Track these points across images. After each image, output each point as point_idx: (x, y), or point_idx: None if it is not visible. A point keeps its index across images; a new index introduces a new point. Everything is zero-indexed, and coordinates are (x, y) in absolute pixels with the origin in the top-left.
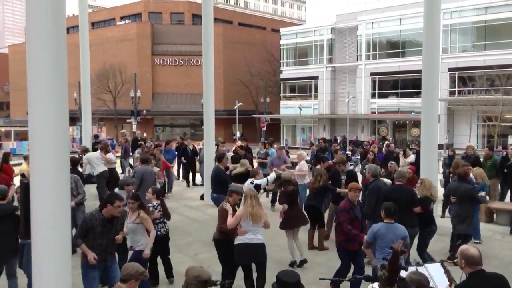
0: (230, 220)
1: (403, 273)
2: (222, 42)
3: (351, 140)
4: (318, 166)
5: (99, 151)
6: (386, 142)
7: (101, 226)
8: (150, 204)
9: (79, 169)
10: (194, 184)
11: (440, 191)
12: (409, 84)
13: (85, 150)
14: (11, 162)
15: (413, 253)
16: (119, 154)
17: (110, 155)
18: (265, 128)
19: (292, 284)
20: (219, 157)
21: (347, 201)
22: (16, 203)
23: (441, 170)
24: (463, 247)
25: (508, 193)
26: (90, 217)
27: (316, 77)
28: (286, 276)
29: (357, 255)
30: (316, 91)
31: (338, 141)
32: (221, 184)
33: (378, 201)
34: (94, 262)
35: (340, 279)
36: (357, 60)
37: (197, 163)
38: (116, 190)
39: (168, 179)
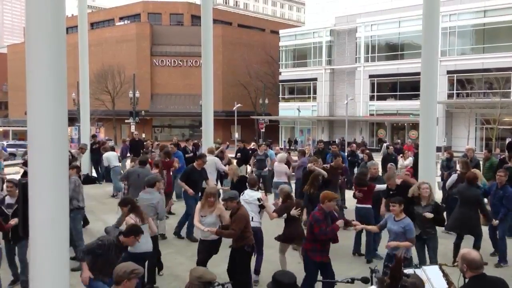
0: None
1: None
2: (221, 43)
3: (349, 142)
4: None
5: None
6: (385, 144)
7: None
8: None
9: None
10: None
11: (438, 194)
12: (408, 87)
13: (82, 148)
14: (11, 162)
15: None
16: (118, 154)
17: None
18: (263, 130)
19: (286, 285)
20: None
21: (321, 211)
22: None
23: (439, 172)
24: (464, 251)
25: None
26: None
27: (315, 79)
28: (282, 276)
29: (325, 265)
30: (314, 93)
31: (337, 143)
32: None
33: None
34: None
35: (337, 281)
36: (355, 62)
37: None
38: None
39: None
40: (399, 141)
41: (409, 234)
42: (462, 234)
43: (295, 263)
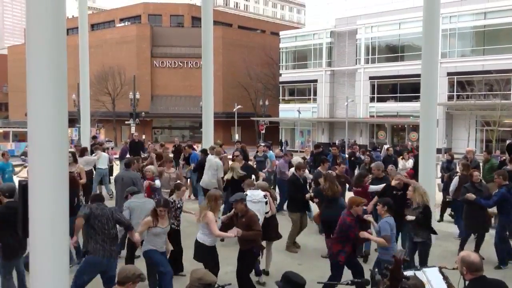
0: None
1: None
2: (222, 45)
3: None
4: (319, 168)
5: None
6: (386, 146)
7: None
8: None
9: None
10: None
11: (439, 196)
12: (408, 88)
13: (77, 146)
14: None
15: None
16: (117, 156)
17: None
18: (263, 131)
19: (299, 285)
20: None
21: (351, 216)
22: None
23: (439, 174)
24: (464, 253)
25: None
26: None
27: (315, 81)
28: (295, 276)
29: (350, 261)
30: (315, 94)
31: (337, 144)
32: None
33: None
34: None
35: (337, 282)
36: (356, 64)
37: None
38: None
39: None
40: (409, 143)
41: (381, 231)
42: (476, 233)
43: (295, 264)
